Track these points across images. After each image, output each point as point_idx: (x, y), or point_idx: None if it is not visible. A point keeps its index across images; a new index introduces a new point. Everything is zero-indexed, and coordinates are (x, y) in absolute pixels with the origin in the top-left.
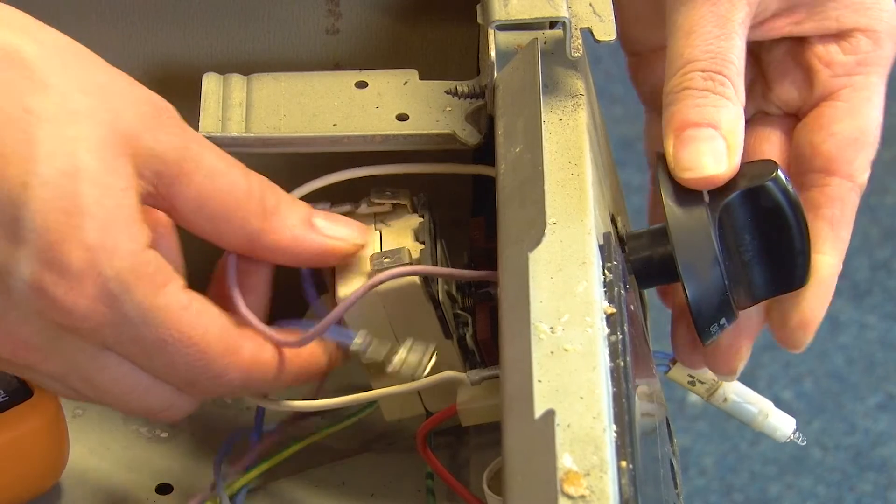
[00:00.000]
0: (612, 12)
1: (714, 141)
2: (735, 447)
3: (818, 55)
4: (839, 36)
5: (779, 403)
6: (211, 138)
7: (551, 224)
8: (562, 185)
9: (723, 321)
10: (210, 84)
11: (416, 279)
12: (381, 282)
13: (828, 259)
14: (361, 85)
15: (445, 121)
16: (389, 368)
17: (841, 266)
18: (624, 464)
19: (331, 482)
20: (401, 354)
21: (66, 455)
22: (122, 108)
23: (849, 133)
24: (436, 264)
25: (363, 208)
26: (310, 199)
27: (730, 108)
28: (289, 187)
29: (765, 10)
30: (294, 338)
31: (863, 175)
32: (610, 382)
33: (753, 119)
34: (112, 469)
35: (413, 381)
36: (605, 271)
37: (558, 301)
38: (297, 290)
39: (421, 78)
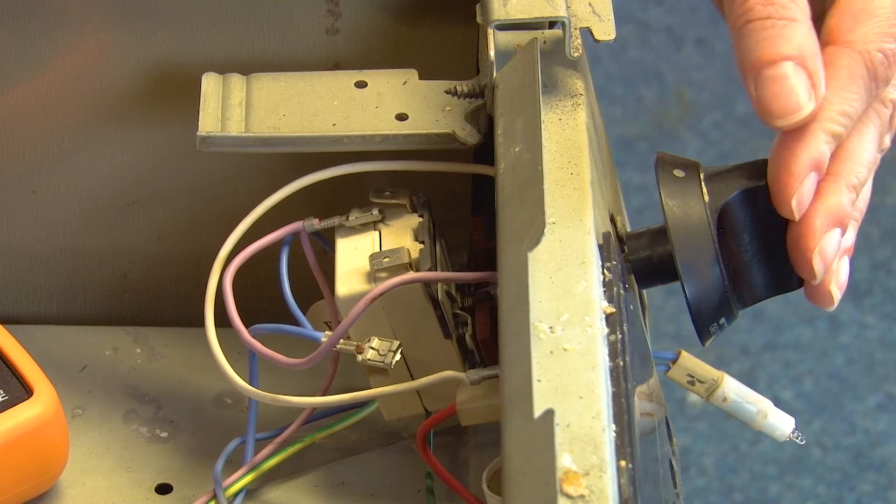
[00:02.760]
0: (612, 12)
1: (794, 76)
2: (735, 447)
3: None
4: None
5: (779, 403)
6: (210, 138)
7: (551, 224)
8: (561, 185)
9: (722, 321)
10: (210, 84)
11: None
12: (381, 293)
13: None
14: (361, 85)
15: (445, 120)
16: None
17: (838, 123)
18: (623, 463)
19: (331, 482)
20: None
21: (66, 455)
22: None
23: (854, 6)
24: (435, 264)
25: (352, 220)
26: (311, 194)
27: (798, 29)
28: None
29: None
30: (301, 359)
31: (867, 45)
32: (609, 382)
33: None
34: (112, 469)
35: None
36: (605, 271)
37: (558, 301)
38: (278, 294)
39: (420, 78)
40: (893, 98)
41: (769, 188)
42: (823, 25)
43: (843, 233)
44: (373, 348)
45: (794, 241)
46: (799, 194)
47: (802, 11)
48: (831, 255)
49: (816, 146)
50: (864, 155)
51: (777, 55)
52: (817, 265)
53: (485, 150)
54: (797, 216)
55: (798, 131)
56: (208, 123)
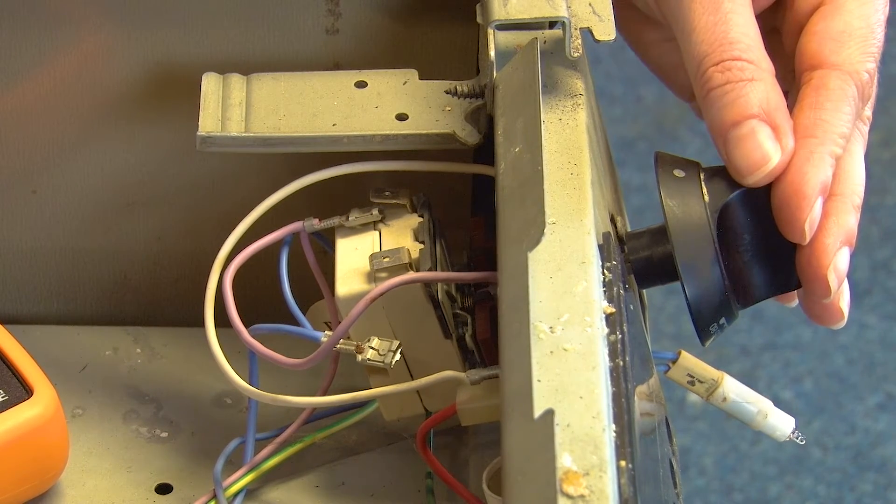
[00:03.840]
0: (612, 12)
1: (758, 133)
2: (735, 447)
3: None
4: None
5: (779, 403)
6: (210, 138)
7: (551, 224)
8: (561, 185)
9: (722, 321)
10: (209, 84)
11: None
12: (381, 294)
13: (808, 142)
14: (361, 85)
15: (445, 120)
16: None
17: (829, 150)
18: (623, 463)
19: (331, 482)
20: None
21: (66, 455)
22: None
23: (832, 28)
24: (435, 264)
25: (352, 220)
26: (311, 194)
27: (757, 87)
28: None
29: None
30: (301, 359)
31: (854, 65)
32: (609, 382)
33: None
34: (112, 469)
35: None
36: (605, 271)
37: (558, 301)
38: (278, 294)
39: (421, 78)
40: (868, 115)
41: (775, 213)
42: (801, 48)
43: (851, 251)
44: (373, 348)
45: (807, 261)
46: (811, 218)
47: (760, 69)
48: (844, 271)
49: (824, 169)
50: (860, 173)
51: (740, 116)
52: (833, 282)
53: (485, 150)
54: (808, 239)
55: (805, 153)
56: (208, 123)
